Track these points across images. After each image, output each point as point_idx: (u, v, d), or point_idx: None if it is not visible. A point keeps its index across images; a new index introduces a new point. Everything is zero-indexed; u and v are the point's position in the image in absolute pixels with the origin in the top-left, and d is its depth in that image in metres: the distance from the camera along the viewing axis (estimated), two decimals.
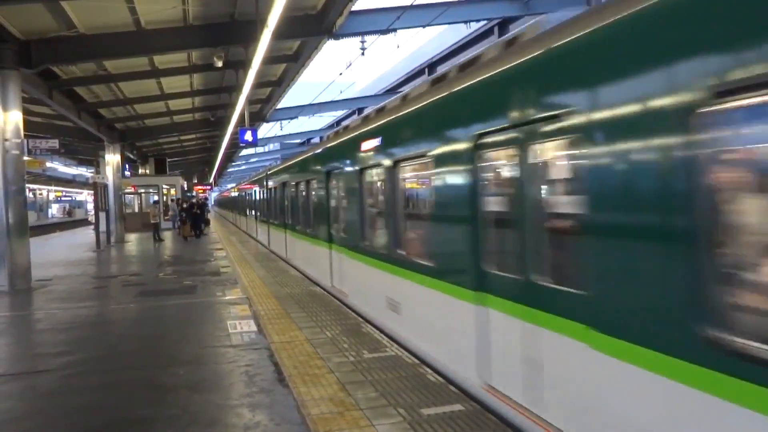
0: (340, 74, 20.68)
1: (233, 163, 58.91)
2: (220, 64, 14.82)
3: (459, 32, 23.41)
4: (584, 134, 3.46)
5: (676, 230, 2.85)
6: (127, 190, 29.93)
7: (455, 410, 4.52)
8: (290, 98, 23.98)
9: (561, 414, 3.80)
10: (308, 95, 27.71)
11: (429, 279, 5.80)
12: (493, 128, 4.52)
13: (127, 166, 28.82)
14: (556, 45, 3.84)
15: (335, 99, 28.48)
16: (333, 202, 10.18)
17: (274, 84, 20.40)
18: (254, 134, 18.36)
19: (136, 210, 33.64)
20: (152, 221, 24.26)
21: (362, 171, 8.16)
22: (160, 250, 20.53)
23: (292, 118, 29.21)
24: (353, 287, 9.04)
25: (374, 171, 7.85)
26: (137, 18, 12.22)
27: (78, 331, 8.04)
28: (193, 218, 24.77)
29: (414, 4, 13.26)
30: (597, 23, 3.44)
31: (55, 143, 15.29)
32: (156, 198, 31.71)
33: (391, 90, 32.02)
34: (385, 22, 13.62)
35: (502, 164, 4.68)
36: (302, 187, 13.06)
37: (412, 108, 6.42)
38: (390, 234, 7.11)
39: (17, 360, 6.97)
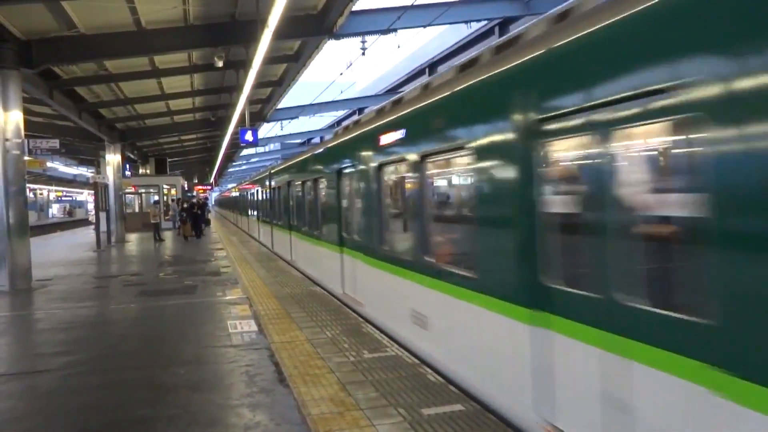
0: (341, 74, 20.66)
1: (234, 163, 58.94)
2: (220, 64, 14.83)
3: (460, 32, 23.40)
4: (710, 112, 2.64)
5: None
6: (127, 190, 29.93)
7: (455, 410, 4.51)
8: (291, 98, 23.98)
9: None
10: (309, 95, 27.72)
11: (467, 292, 4.96)
12: (562, 111, 3.67)
13: (127, 166, 28.81)
14: None
15: (336, 99, 28.49)
16: (345, 202, 9.39)
17: (274, 84, 20.40)
18: (255, 134, 18.37)
19: (137, 210, 33.65)
20: (152, 221, 24.27)
21: (381, 167, 7.36)
22: (161, 250, 20.53)
23: (292, 118, 29.22)
24: (370, 296, 8.20)
25: (396, 167, 7.09)
26: (138, 18, 12.22)
27: (78, 330, 8.04)
28: (193, 218, 24.78)
29: (414, 4, 13.27)
30: None
31: (55, 143, 15.27)
32: (156, 198, 31.73)
33: (392, 90, 32.02)
34: (385, 22, 13.63)
35: (575, 155, 3.89)
36: (309, 186, 12.32)
37: (446, 93, 5.52)
38: (416, 238, 6.25)
39: (17, 360, 6.97)
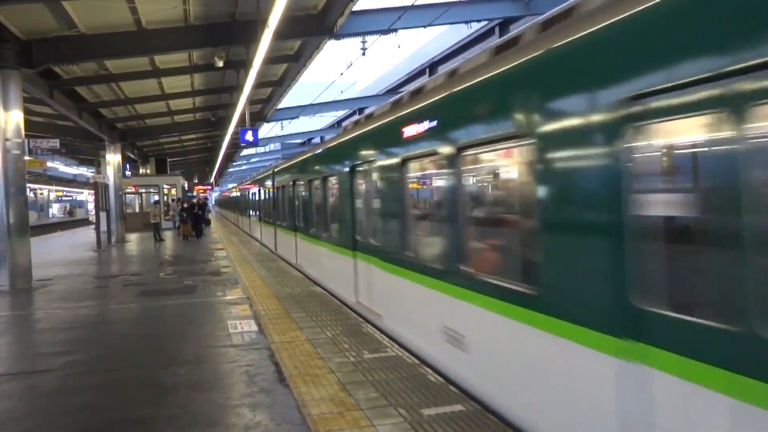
0: (341, 74, 20.66)
1: (234, 163, 58.99)
2: (220, 64, 14.84)
3: (460, 32, 23.42)
4: None
5: None
6: (127, 190, 29.94)
7: (456, 410, 4.51)
8: (291, 98, 23.98)
9: None
10: (309, 95, 27.73)
11: (524, 311, 4.09)
12: (668, 84, 2.82)
13: (127, 165, 28.83)
14: None
15: (336, 99, 28.51)
16: (359, 202, 8.61)
17: (274, 84, 20.41)
18: (255, 134, 18.37)
19: (137, 210, 33.67)
20: (152, 221, 24.28)
21: (404, 163, 6.47)
22: (161, 249, 20.53)
23: (292, 118, 29.23)
24: (389, 308, 7.29)
25: (423, 162, 6.29)
26: (138, 18, 12.23)
27: (78, 330, 8.04)
28: (194, 218, 24.77)
29: (415, 4, 13.27)
30: None
31: (56, 143, 15.29)
32: (156, 198, 31.73)
33: (392, 90, 32.04)
34: (386, 22, 13.62)
35: (686, 140, 3.09)
36: (316, 185, 11.54)
37: (498, 72, 4.55)
38: (451, 243, 5.33)
39: (18, 359, 6.97)
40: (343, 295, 9.44)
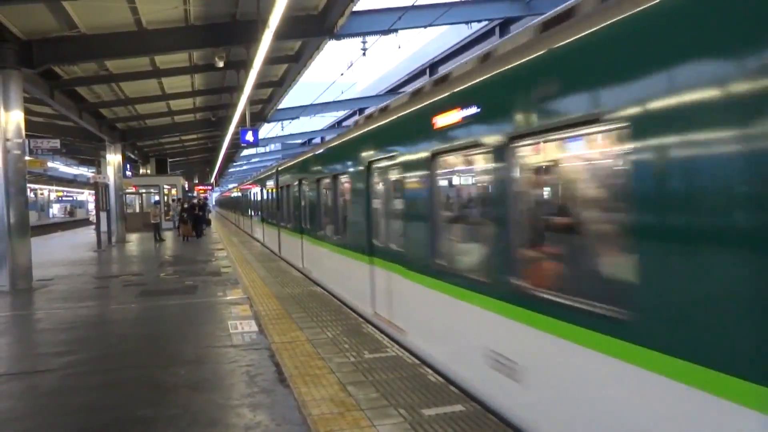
0: (342, 75, 20.66)
1: (234, 164, 59.03)
2: (221, 64, 14.85)
3: (460, 33, 23.42)
4: None
5: None
6: (128, 190, 29.96)
7: (456, 411, 4.51)
8: (291, 98, 23.95)
9: None
10: (309, 95, 27.73)
11: (610, 341, 3.24)
12: None
13: (128, 166, 28.85)
14: None
15: (337, 99, 28.50)
16: (376, 203, 7.80)
17: (275, 84, 20.42)
18: (255, 134, 18.37)
19: (137, 210, 33.69)
20: (153, 221, 24.30)
21: (435, 157, 5.63)
22: (161, 250, 20.53)
23: (293, 119, 29.24)
24: (415, 323, 6.46)
25: (460, 156, 5.52)
26: (138, 18, 12.24)
27: (79, 330, 8.04)
28: (194, 219, 24.75)
29: (415, 4, 13.27)
30: None
31: (56, 143, 15.31)
32: (157, 198, 31.73)
33: (393, 90, 32.05)
34: (386, 22, 13.63)
35: None
36: (326, 183, 10.75)
37: (583, 35, 3.54)
38: (500, 251, 4.50)
39: (18, 359, 6.98)
40: (357, 305, 8.62)
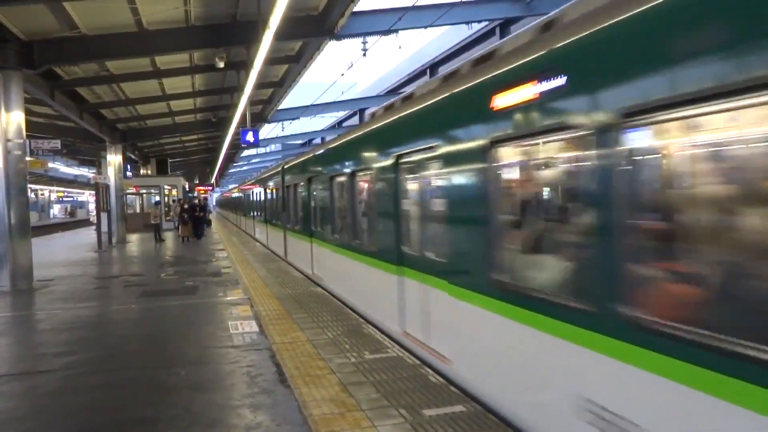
0: (342, 75, 20.70)
1: (235, 164, 59.13)
2: (221, 64, 14.85)
3: (461, 33, 23.43)
4: None
5: None
6: (128, 191, 29.97)
7: (456, 411, 4.51)
8: (292, 99, 23.96)
9: None
10: (310, 96, 27.77)
11: None
12: None
13: (128, 166, 28.86)
14: None
15: (337, 100, 28.54)
16: (407, 203, 6.69)
17: (275, 85, 20.43)
18: (256, 135, 18.40)
19: (138, 210, 33.71)
20: (153, 222, 24.32)
21: (494, 146, 4.54)
22: (162, 250, 20.54)
23: (293, 119, 29.27)
24: (466, 352, 5.24)
25: (536, 145, 4.35)
26: (139, 19, 12.25)
27: (80, 331, 8.05)
28: (194, 220, 24.72)
29: (416, 5, 13.28)
30: None
31: (57, 144, 15.30)
32: (157, 199, 31.75)
33: (393, 91, 32.05)
34: (386, 22, 13.64)
35: None
36: (342, 181, 9.61)
37: None
38: (598, 268, 3.42)
39: (19, 360, 6.98)
40: (379, 320, 7.62)
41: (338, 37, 13.50)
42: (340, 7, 12.01)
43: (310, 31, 13.42)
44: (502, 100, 4.38)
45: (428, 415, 4.45)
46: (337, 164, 9.98)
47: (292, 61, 16.98)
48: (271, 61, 14.51)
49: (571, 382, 3.64)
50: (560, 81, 3.72)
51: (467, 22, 16.46)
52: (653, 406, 3.01)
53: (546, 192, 4.68)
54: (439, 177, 5.67)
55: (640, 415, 3.07)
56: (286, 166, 16.30)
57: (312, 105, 27.44)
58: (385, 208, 7.31)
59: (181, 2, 11.64)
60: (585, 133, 3.49)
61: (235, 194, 44.79)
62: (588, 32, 3.55)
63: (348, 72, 20.40)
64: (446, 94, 5.56)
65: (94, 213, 31.87)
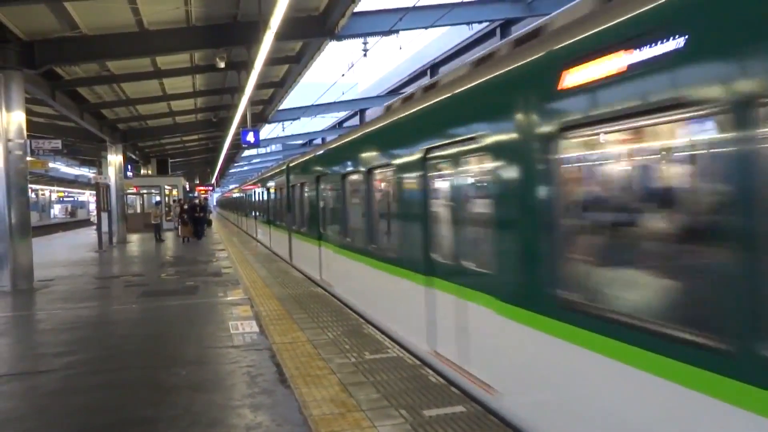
0: (343, 75, 20.70)
1: (235, 164, 59.16)
2: (222, 65, 14.87)
3: (461, 33, 23.44)
4: None
5: None
6: (129, 191, 29.98)
7: (457, 411, 4.51)
8: (292, 99, 23.95)
9: None
10: (310, 96, 27.77)
11: None
12: None
13: (129, 166, 28.89)
14: None
15: (338, 100, 28.55)
16: (438, 204, 5.81)
17: (276, 85, 20.44)
18: (256, 135, 18.41)
19: (138, 211, 33.73)
20: (153, 222, 24.33)
21: (561, 134, 3.69)
22: (162, 250, 20.54)
23: (294, 119, 29.28)
24: (518, 383, 4.34)
25: (624, 128, 3.35)
26: (140, 19, 12.26)
27: (80, 331, 8.05)
28: (194, 220, 24.71)
29: (416, 5, 13.29)
30: None
31: (57, 144, 15.35)
32: (158, 199, 31.77)
33: (394, 91, 32.07)
34: (387, 23, 13.64)
35: None
36: (355, 180, 8.81)
37: None
38: (713, 292, 2.74)
39: (19, 360, 6.98)
40: (402, 336, 6.81)
41: (339, 38, 13.51)
42: (341, 8, 12.02)
43: (311, 31, 13.43)
44: (579, 75, 3.50)
45: (428, 416, 4.45)
46: (350, 161, 9.06)
47: (292, 61, 16.98)
48: (272, 61, 14.52)
49: (673, 427, 2.82)
50: (676, 43, 2.82)
51: (468, 23, 16.47)
52: None
53: (641, 188, 3.61)
54: (483, 172, 4.85)
55: None
56: (291, 165, 15.36)
57: (312, 105, 27.45)
58: (409, 209, 6.43)
59: (182, 2, 11.65)
60: (712, 110, 2.66)
61: (237, 194, 43.57)
62: None
63: (349, 72, 20.43)
64: (491, 75, 4.71)
65: (95, 213, 31.91)
